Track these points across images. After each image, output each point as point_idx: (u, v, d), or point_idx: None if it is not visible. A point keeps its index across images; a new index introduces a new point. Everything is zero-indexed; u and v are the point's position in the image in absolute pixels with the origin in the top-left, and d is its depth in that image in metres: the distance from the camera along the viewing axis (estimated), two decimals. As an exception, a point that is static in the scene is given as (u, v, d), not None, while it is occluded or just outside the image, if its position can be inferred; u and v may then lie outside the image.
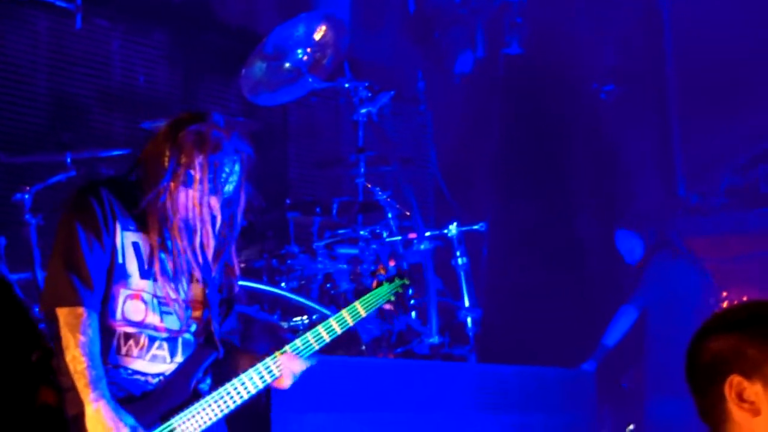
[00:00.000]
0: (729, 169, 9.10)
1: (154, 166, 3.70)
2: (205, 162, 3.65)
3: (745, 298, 8.36)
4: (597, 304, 7.19)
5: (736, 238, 8.67)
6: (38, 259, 5.72)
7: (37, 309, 3.80)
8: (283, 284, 6.17)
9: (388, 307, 5.38)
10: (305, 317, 6.01)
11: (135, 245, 3.69)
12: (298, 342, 3.87)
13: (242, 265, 6.21)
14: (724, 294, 7.93)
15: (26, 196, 5.74)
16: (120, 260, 3.66)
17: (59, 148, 6.15)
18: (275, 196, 7.14)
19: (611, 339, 6.80)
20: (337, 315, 3.93)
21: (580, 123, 8.71)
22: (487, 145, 8.71)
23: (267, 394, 4.89)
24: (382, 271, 4.24)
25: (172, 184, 3.67)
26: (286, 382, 3.84)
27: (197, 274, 3.76)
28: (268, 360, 3.81)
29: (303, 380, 5.09)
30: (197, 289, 3.79)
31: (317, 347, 3.89)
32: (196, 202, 3.67)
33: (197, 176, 3.65)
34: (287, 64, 6.80)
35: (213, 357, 3.80)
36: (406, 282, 4.10)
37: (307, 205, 6.54)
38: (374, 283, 4.14)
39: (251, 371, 3.78)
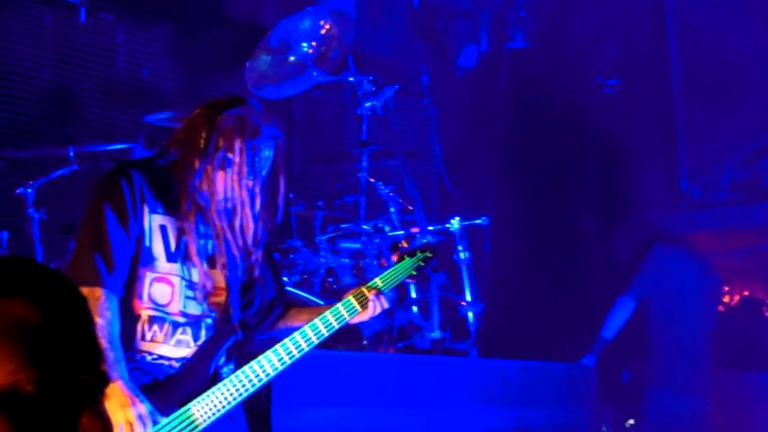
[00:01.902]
0: (732, 163, 9.08)
1: (189, 148, 3.70)
2: (243, 146, 3.65)
3: (746, 293, 8.36)
4: (598, 298, 7.18)
5: (739, 233, 8.66)
6: (40, 253, 5.73)
7: None
8: (285, 278, 6.18)
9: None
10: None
11: (162, 228, 3.69)
12: (378, 280, 3.93)
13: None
14: (726, 289, 7.91)
15: (29, 191, 5.75)
16: (147, 243, 3.65)
17: (62, 141, 6.14)
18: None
19: (610, 331, 6.80)
20: (356, 290, 3.91)
21: (584, 117, 8.70)
22: (490, 140, 8.70)
23: (267, 389, 4.91)
24: (405, 244, 4.21)
25: (208, 167, 3.67)
26: (368, 314, 3.88)
27: (236, 254, 3.75)
28: (351, 297, 3.84)
29: (304, 375, 5.12)
30: (219, 275, 3.77)
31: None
32: (237, 184, 3.68)
33: (236, 159, 3.65)
34: (292, 58, 6.80)
35: (232, 340, 3.79)
36: (429, 255, 4.10)
37: (309, 199, 6.55)
38: (395, 256, 4.13)
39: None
